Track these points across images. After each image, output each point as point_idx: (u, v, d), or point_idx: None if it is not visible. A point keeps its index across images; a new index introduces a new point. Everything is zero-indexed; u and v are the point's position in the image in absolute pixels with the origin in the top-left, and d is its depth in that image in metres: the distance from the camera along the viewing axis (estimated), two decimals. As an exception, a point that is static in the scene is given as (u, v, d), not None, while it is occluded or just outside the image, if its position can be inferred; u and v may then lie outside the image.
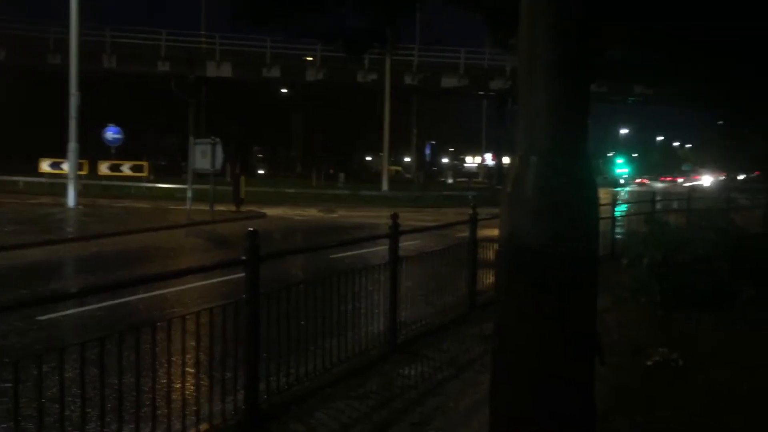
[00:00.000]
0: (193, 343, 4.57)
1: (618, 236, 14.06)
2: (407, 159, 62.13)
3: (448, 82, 44.34)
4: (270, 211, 24.82)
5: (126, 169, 34.55)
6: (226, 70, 43.01)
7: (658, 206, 18.25)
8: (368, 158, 71.93)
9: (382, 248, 6.72)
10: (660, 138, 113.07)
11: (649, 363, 6.01)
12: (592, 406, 3.11)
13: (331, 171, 49.66)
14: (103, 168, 34.07)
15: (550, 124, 3.06)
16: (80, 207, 22.92)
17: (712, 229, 10.90)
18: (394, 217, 6.75)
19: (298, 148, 58.31)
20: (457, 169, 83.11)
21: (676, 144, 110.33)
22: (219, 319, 4.66)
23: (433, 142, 67.60)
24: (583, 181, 3.08)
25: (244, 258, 4.78)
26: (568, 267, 3.01)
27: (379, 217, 22.42)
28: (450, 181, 60.06)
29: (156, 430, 4.18)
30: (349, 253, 12.91)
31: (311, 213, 26.24)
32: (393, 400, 5.34)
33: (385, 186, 39.64)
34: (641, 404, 4.99)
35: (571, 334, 3.02)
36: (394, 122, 43.10)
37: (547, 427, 2.99)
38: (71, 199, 23.08)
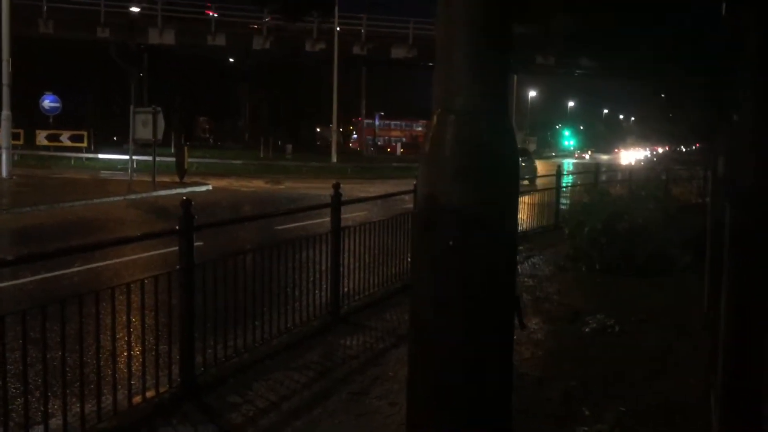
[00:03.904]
0: (125, 316, 4.43)
1: (562, 206, 14.27)
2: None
3: (398, 52, 44.01)
4: (216, 183, 24.37)
5: (65, 138, 33.30)
6: (169, 38, 41.68)
7: (603, 177, 18.59)
8: (317, 129, 71.21)
9: (328, 219, 6.65)
10: (606, 111, 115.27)
11: (586, 329, 6.12)
12: (510, 370, 3.10)
13: (279, 142, 48.93)
14: (41, 138, 32.80)
15: (469, 81, 2.96)
16: (14, 178, 22.08)
17: (651, 199, 11.20)
18: (336, 186, 6.68)
19: (246, 119, 57.31)
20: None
21: (621, 117, 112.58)
22: (152, 290, 4.53)
23: (382, 113, 67.27)
24: (502, 140, 2.99)
25: (177, 228, 4.64)
26: (486, 227, 2.93)
27: (326, 188, 22.12)
28: (399, 152, 59.94)
29: (86, 405, 4.05)
30: (294, 225, 12.77)
31: (258, 184, 25.86)
32: (333, 370, 5.30)
33: (333, 158, 39.37)
34: (577, 370, 5.07)
35: (488, 296, 2.96)
36: (344, 93, 42.67)
37: (464, 392, 2.95)
38: (4, 169, 22.20)
